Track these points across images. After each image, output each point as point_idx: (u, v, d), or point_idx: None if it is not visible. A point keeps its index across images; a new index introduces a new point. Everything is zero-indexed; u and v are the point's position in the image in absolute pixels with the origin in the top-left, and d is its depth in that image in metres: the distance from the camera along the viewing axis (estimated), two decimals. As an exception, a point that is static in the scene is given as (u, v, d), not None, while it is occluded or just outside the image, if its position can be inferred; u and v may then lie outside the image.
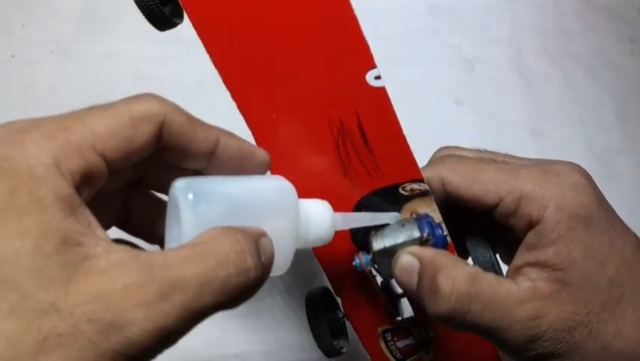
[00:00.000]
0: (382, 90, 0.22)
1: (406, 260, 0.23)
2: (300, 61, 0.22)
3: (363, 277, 0.26)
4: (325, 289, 0.28)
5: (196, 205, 0.18)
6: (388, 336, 0.27)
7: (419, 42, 0.53)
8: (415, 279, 0.22)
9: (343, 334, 0.28)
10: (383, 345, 0.27)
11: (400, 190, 0.24)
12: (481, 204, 0.23)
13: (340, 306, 0.28)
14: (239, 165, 0.20)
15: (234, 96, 0.26)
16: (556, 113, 0.49)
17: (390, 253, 0.23)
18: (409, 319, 0.28)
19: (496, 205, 0.23)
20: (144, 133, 0.18)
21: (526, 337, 0.21)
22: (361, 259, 0.24)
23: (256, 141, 0.24)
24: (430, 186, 0.24)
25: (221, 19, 0.24)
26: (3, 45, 0.49)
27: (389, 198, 0.24)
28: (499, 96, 0.50)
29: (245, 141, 0.21)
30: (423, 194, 0.24)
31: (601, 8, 0.55)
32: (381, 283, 0.27)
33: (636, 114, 0.50)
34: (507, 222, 0.23)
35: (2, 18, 0.51)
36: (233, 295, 0.16)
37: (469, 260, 0.25)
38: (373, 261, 0.24)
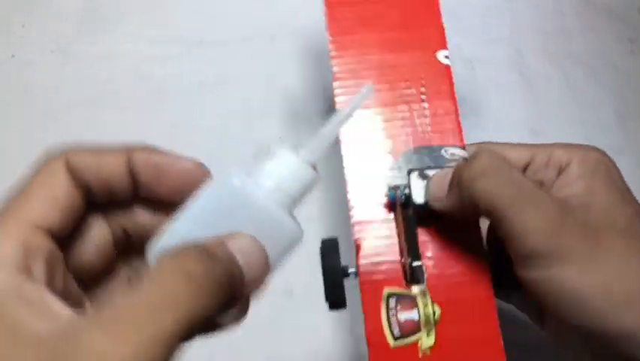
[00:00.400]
0: (448, 67, 0.29)
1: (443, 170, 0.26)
2: (393, 30, 0.30)
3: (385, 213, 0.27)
4: (336, 240, 0.27)
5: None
6: (392, 302, 0.26)
7: (419, 42, 0.53)
8: (446, 182, 0.25)
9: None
10: (384, 312, 0.26)
11: (443, 152, 0.27)
12: (515, 164, 0.25)
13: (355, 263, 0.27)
14: (159, 178, 0.21)
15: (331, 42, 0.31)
16: (557, 113, 0.49)
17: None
18: (422, 291, 0.26)
19: (528, 164, 0.25)
20: (71, 196, 0.19)
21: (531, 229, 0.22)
22: (396, 192, 0.26)
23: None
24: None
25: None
26: (3, 45, 0.49)
27: (432, 156, 0.27)
28: (499, 96, 0.50)
29: (162, 154, 0.21)
30: (463, 160, 0.27)
31: (601, 8, 0.55)
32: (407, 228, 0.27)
33: (636, 114, 0.50)
34: (539, 176, 0.25)
35: (2, 18, 0.51)
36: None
37: None
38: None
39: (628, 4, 0.56)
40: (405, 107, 0.29)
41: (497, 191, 0.23)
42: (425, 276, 0.26)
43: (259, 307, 0.40)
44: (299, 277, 0.41)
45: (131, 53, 0.50)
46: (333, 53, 0.30)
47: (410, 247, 0.26)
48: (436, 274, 0.26)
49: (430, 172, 0.26)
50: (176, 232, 0.19)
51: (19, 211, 0.18)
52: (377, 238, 0.27)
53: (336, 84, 0.29)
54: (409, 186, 0.26)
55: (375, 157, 0.28)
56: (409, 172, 0.27)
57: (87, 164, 0.19)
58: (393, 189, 0.27)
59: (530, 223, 0.22)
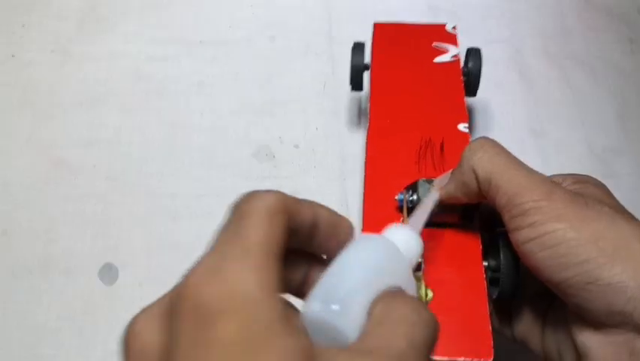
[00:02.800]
0: (466, 135, 0.34)
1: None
2: (423, 101, 0.36)
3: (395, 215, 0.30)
4: None
5: (346, 309, 0.18)
6: None
7: (419, 42, 0.53)
8: (449, 172, 0.28)
9: None
10: None
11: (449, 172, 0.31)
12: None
13: None
14: (331, 233, 0.21)
15: (372, 108, 0.36)
16: (557, 113, 0.49)
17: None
18: (417, 277, 0.28)
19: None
20: (282, 224, 0.19)
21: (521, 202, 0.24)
22: (405, 196, 0.30)
23: (369, 130, 0.35)
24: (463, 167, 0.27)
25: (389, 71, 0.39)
26: (3, 45, 0.49)
27: None
28: (499, 96, 0.50)
29: (331, 211, 0.22)
30: None
31: (601, 8, 0.55)
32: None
33: (636, 114, 0.50)
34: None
35: (2, 18, 0.51)
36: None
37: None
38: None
39: (628, 4, 0.56)
40: (425, 152, 0.33)
41: (494, 160, 0.25)
42: (423, 267, 0.28)
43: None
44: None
45: (131, 53, 0.50)
46: (370, 115, 0.35)
47: None
48: (433, 270, 0.28)
49: (436, 180, 0.30)
50: (339, 284, 0.19)
51: (261, 243, 0.18)
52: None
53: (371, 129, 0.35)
54: (416, 190, 0.29)
55: (392, 183, 0.31)
56: (416, 182, 0.30)
57: (294, 211, 0.20)
58: (403, 193, 0.30)
59: (525, 183, 0.24)
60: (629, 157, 0.47)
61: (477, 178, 0.26)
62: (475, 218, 0.29)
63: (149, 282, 0.40)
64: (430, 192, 0.28)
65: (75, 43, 0.50)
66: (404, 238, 0.23)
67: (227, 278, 0.16)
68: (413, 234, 0.23)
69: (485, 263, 0.28)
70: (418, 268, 0.27)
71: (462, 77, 0.39)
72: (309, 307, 0.19)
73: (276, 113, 0.48)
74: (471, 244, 0.29)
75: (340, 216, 0.22)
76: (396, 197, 0.30)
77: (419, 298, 0.26)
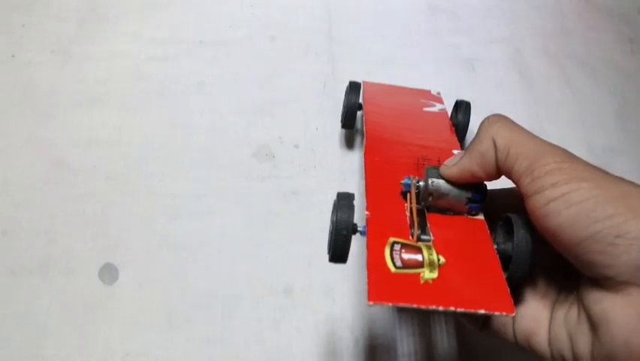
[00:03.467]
0: None
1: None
2: (416, 133, 0.37)
3: (399, 200, 0.30)
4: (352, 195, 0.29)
5: None
6: (397, 246, 0.27)
7: (419, 42, 0.53)
8: (462, 152, 0.28)
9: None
10: (387, 251, 0.27)
11: None
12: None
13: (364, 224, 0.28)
14: None
15: (367, 132, 0.37)
16: (557, 113, 0.49)
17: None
18: (427, 246, 0.27)
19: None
20: None
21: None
22: (412, 181, 0.29)
23: (366, 149, 0.34)
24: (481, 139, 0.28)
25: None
26: (3, 45, 0.49)
27: None
28: (499, 96, 0.50)
29: None
30: None
31: (601, 8, 0.55)
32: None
33: (636, 114, 0.50)
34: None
35: (2, 18, 0.51)
36: None
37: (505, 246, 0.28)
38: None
39: (628, 4, 0.56)
40: (423, 164, 0.33)
41: (513, 129, 0.26)
42: (432, 239, 0.27)
43: (259, 307, 0.40)
44: (299, 277, 0.41)
45: (131, 53, 0.50)
46: (369, 142, 0.35)
47: (420, 224, 0.28)
48: (442, 246, 0.27)
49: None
50: None
51: None
52: (388, 216, 0.28)
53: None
54: (424, 175, 0.29)
55: (392, 176, 0.31)
56: (426, 169, 0.30)
57: None
58: (409, 177, 0.30)
59: (545, 149, 0.25)
60: (629, 157, 0.47)
61: (495, 147, 0.26)
62: (481, 209, 0.29)
63: (149, 282, 0.40)
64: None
65: (75, 43, 0.50)
66: None
67: None
68: None
69: (495, 246, 0.28)
70: (427, 240, 0.27)
71: (450, 121, 0.40)
72: None
73: (276, 113, 0.48)
74: (479, 228, 0.29)
75: None
76: (403, 181, 0.30)
77: (431, 262, 0.26)
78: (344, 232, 0.27)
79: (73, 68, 0.49)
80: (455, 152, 0.35)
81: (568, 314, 0.26)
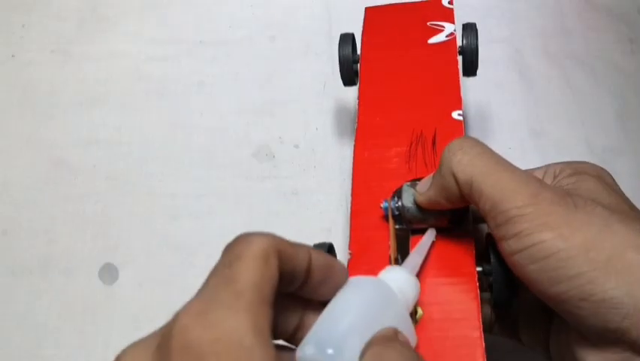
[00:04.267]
0: (460, 122, 0.32)
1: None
2: (415, 90, 0.34)
3: (379, 230, 0.28)
4: (331, 246, 0.28)
5: (340, 353, 0.18)
6: None
7: (419, 42, 0.53)
8: (431, 177, 0.26)
9: None
10: None
11: None
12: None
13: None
14: (325, 277, 0.21)
15: (360, 102, 0.34)
16: (557, 113, 0.49)
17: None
18: None
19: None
20: (274, 268, 0.18)
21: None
22: (390, 203, 0.28)
23: (358, 129, 0.33)
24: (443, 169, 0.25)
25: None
26: (3, 45, 0.49)
27: None
28: (499, 96, 0.50)
29: (325, 254, 0.21)
30: None
31: (601, 8, 0.55)
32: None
33: (636, 114, 0.50)
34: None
35: (2, 18, 0.51)
36: None
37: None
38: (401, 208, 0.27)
39: (628, 4, 0.56)
40: (416, 149, 0.31)
41: (474, 161, 0.23)
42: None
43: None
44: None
45: (131, 53, 0.50)
46: (359, 111, 0.33)
47: (397, 254, 0.27)
48: (422, 279, 0.26)
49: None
50: (333, 328, 0.19)
51: (252, 287, 0.18)
52: (372, 249, 0.27)
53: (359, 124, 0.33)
54: (400, 196, 0.27)
55: (381, 186, 0.30)
56: (401, 187, 0.28)
57: (288, 255, 0.19)
58: (388, 200, 0.28)
59: (508, 187, 0.22)
60: (629, 157, 0.47)
61: (457, 182, 0.24)
62: (467, 220, 0.28)
63: (149, 282, 0.40)
64: (427, 233, 0.26)
65: (75, 43, 0.50)
66: (399, 281, 0.22)
67: (217, 323, 0.16)
68: (409, 276, 0.23)
69: (479, 268, 0.26)
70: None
71: (457, 58, 0.36)
72: (304, 351, 0.19)
73: (276, 113, 0.48)
74: (463, 250, 0.27)
75: (333, 259, 0.21)
76: (382, 205, 0.28)
77: None
78: None
79: (73, 68, 0.49)
80: (455, 115, 0.33)
81: (559, 343, 0.25)
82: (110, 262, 0.40)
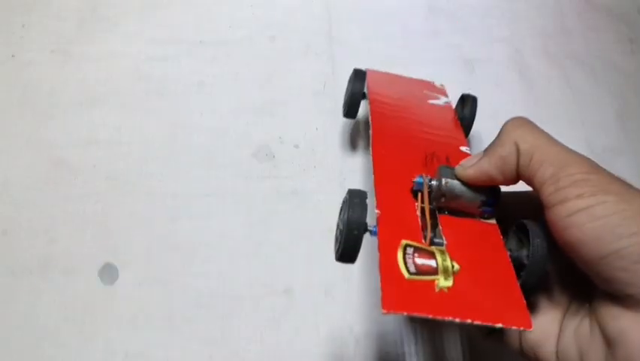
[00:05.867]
0: (468, 155, 0.33)
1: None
2: (423, 130, 0.36)
3: (410, 199, 0.29)
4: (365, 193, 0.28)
5: None
6: (409, 250, 0.26)
7: (419, 42, 0.53)
8: (481, 153, 0.27)
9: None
10: (400, 255, 0.25)
11: None
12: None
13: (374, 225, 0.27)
14: None
15: (373, 126, 0.35)
16: (557, 113, 0.49)
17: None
18: (441, 250, 0.26)
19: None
20: None
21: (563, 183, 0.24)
22: (425, 179, 0.28)
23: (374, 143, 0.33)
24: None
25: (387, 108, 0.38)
26: (3, 45, 0.49)
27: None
28: (499, 96, 0.50)
29: None
30: None
31: (601, 8, 0.55)
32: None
33: (636, 114, 0.50)
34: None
35: (2, 18, 0.51)
36: None
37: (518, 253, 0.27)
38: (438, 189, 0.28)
39: (628, 4, 0.56)
40: (432, 161, 0.33)
41: (537, 134, 0.26)
42: (445, 243, 0.27)
43: (259, 307, 0.40)
44: (299, 277, 0.41)
45: (131, 53, 0.50)
46: (374, 142, 0.34)
47: (432, 226, 0.27)
48: (456, 250, 0.26)
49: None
50: None
51: None
52: (399, 215, 0.27)
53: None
54: (437, 175, 0.29)
55: (401, 170, 0.31)
56: (438, 168, 0.29)
57: None
58: (422, 176, 0.29)
59: (572, 158, 0.24)
60: (629, 157, 0.47)
61: (518, 151, 0.25)
62: (494, 213, 0.28)
63: (149, 282, 0.40)
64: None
65: (75, 43, 0.50)
66: None
67: None
68: None
69: (513, 252, 0.27)
70: (440, 243, 0.27)
71: (457, 117, 0.39)
72: None
73: (276, 113, 0.48)
74: (491, 233, 0.28)
75: None
76: (415, 179, 0.29)
77: (445, 269, 0.25)
78: (355, 232, 0.25)
79: (73, 68, 0.49)
80: (463, 149, 0.34)
81: (579, 328, 0.25)
82: (110, 262, 0.40)
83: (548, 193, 0.24)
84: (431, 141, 0.35)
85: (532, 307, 0.27)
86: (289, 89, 0.49)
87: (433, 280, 0.24)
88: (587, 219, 0.22)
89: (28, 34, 0.50)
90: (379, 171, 0.30)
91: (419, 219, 0.28)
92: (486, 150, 0.27)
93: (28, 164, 0.44)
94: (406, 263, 0.25)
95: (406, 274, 0.24)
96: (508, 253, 0.27)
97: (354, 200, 0.26)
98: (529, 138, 0.26)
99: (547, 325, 0.27)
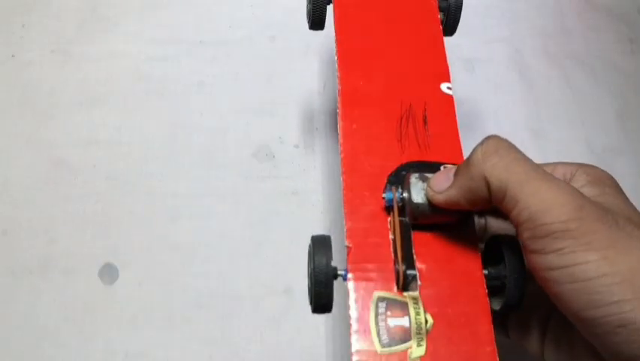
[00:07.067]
0: (450, 97, 0.30)
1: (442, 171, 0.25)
2: (400, 60, 0.32)
3: (381, 213, 0.26)
4: (328, 238, 0.26)
5: None
6: (382, 307, 0.24)
7: (419, 42, 0.53)
8: (451, 173, 0.24)
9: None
10: (372, 316, 0.24)
11: (441, 168, 0.27)
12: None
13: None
14: None
15: (339, 62, 0.31)
16: (557, 113, 0.49)
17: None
18: (414, 298, 0.25)
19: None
20: None
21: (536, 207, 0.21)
22: (394, 193, 0.26)
23: (341, 95, 0.30)
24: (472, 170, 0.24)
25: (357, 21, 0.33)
26: (3, 45, 0.49)
27: (429, 171, 0.27)
28: (499, 96, 0.50)
29: None
30: None
31: (601, 8, 0.55)
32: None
33: (636, 114, 0.50)
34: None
35: (2, 18, 0.51)
36: None
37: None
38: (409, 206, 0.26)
39: (628, 4, 0.56)
40: (407, 126, 0.29)
41: (511, 167, 0.22)
42: (419, 283, 0.25)
43: (259, 306, 0.40)
44: (299, 277, 0.41)
45: (131, 53, 0.50)
46: (340, 73, 0.31)
47: (404, 254, 0.25)
48: (430, 284, 0.25)
49: (429, 175, 0.26)
50: None
51: None
52: (371, 243, 0.26)
53: (341, 104, 0.30)
54: (407, 188, 0.26)
55: (373, 165, 0.28)
56: (407, 174, 0.26)
57: None
58: (391, 190, 0.26)
59: (550, 199, 0.21)
60: (629, 157, 0.47)
61: (489, 187, 0.22)
62: (472, 219, 0.27)
63: (149, 282, 0.40)
64: None
65: (75, 43, 0.50)
66: None
67: None
68: None
69: (485, 272, 0.25)
70: (410, 288, 0.25)
71: (439, 16, 0.34)
72: None
73: (276, 113, 0.48)
74: (468, 251, 0.26)
75: None
76: (384, 195, 0.26)
77: (418, 328, 0.24)
78: (324, 285, 0.25)
79: (73, 68, 0.49)
80: (444, 88, 0.30)
81: (559, 348, 0.25)
82: (110, 262, 0.40)
83: (525, 237, 0.22)
84: (408, 76, 0.31)
85: (510, 320, 0.27)
86: (289, 89, 0.49)
87: (406, 350, 0.23)
88: (566, 279, 0.21)
89: (28, 34, 0.50)
90: (348, 169, 0.28)
91: (391, 242, 0.26)
92: (457, 174, 0.24)
93: (28, 164, 0.44)
94: (378, 330, 0.24)
95: (378, 348, 0.23)
96: (485, 273, 0.25)
97: (318, 249, 0.25)
98: (501, 172, 0.22)
99: (528, 335, 0.27)
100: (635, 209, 0.24)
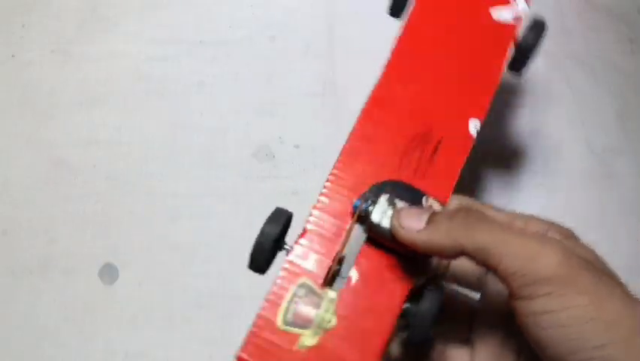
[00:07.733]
0: (471, 138, 0.29)
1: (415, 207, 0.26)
2: (446, 80, 0.31)
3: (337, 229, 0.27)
4: (290, 216, 0.28)
5: None
6: (301, 291, 0.26)
7: (419, 42, 0.53)
8: (425, 217, 0.24)
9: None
10: (289, 295, 0.26)
11: (423, 199, 0.27)
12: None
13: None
14: None
15: (392, 58, 0.32)
16: (557, 113, 0.49)
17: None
18: (331, 299, 0.26)
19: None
20: None
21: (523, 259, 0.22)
22: (361, 205, 0.26)
23: (373, 91, 0.30)
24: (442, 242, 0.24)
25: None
26: (3, 45, 0.49)
27: (412, 196, 0.27)
28: (500, 96, 0.50)
29: None
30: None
31: (601, 8, 0.55)
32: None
33: (636, 114, 0.50)
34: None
35: (2, 18, 0.51)
36: None
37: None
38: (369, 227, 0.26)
39: (628, 4, 0.56)
40: (416, 147, 0.29)
41: (490, 230, 0.23)
42: (341, 287, 0.26)
43: (259, 306, 0.40)
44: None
45: (131, 53, 0.50)
46: (385, 69, 0.31)
47: (341, 257, 0.26)
48: (352, 291, 0.26)
49: (400, 203, 0.26)
50: None
51: None
52: (325, 235, 0.27)
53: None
54: (375, 203, 0.26)
55: (366, 169, 0.29)
56: (381, 192, 0.27)
57: None
58: (361, 199, 0.27)
59: (537, 248, 0.22)
60: (629, 157, 0.47)
61: (467, 251, 0.23)
62: (428, 261, 0.27)
63: (149, 282, 0.40)
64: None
65: (75, 43, 0.50)
66: None
67: None
68: None
69: (408, 305, 0.25)
70: (333, 287, 0.26)
71: (510, 49, 0.32)
72: None
73: (276, 113, 0.48)
74: (403, 281, 0.26)
75: None
76: (355, 201, 0.27)
77: (320, 323, 0.25)
78: (265, 244, 0.26)
79: (73, 68, 0.49)
80: (471, 126, 0.30)
81: None
82: (110, 262, 0.41)
83: (515, 286, 0.22)
84: (439, 104, 0.30)
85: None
86: (289, 89, 0.49)
87: (298, 336, 0.25)
88: (552, 323, 0.21)
89: (28, 34, 0.50)
90: (342, 166, 0.28)
91: (342, 244, 0.27)
92: (432, 225, 0.24)
93: (28, 164, 0.44)
94: (287, 308, 0.25)
95: (280, 323, 0.25)
96: (407, 306, 0.26)
97: (276, 216, 0.27)
98: (483, 236, 0.22)
99: None
100: (603, 263, 0.25)
